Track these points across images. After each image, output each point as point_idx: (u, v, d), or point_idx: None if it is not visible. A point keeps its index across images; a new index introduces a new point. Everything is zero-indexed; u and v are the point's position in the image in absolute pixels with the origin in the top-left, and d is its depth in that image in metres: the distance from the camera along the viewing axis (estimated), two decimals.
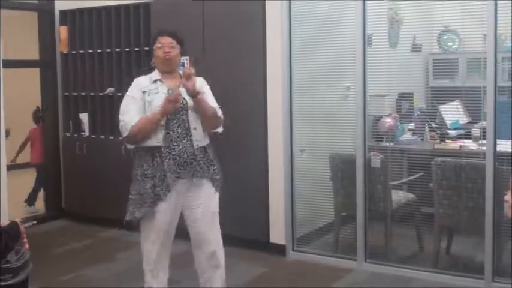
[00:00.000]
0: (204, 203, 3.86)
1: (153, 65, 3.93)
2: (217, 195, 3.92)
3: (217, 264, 3.92)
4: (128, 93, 3.88)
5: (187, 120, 3.75)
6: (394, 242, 5.22)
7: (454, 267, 4.89)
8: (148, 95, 3.76)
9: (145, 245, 3.89)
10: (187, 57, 5.68)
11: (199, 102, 3.73)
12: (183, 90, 3.69)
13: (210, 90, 3.97)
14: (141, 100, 3.77)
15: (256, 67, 5.42)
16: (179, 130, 3.74)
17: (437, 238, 4.96)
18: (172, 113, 3.68)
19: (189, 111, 3.76)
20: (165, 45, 3.81)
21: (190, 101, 3.76)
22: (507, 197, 2.79)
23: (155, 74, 3.86)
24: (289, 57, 5.31)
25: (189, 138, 3.75)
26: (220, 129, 3.93)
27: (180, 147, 3.72)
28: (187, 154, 3.74)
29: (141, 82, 3.87)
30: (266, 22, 5.36)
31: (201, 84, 3.87)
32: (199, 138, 3.79)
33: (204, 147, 3.83)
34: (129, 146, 3.89)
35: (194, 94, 3.69)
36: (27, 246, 3.82)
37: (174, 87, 3.68)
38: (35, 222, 3.86)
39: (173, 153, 3.71)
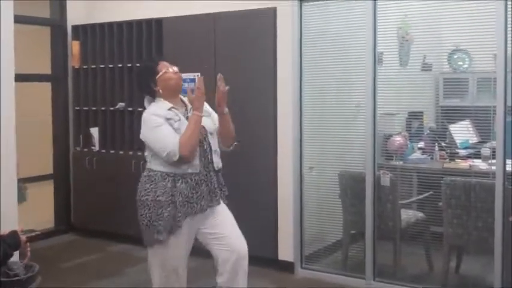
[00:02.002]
0: (221, 216, 3.88)
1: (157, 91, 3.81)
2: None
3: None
4: (153, 123, 3.70)
5: (209, 144, 3.79)
6: (403, 260, 5.25)
7: (463, 287, 4.92)
8: (175, 121, 3.70)
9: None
10: (198, 74, 5.78)
11: (226, 116, 3.82)
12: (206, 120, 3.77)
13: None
14: (167, 122, 3.70)
15: (266, 84, 5.51)
16: (204, 157, 3.76)
17: (447, 257, 4.99)
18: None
19: (209, 135, 3.81)
20: (168, 68, 3.79)
21: (209, 127, 3.81)
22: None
23: (163, 103, 3.76)
24: (300, 75, 5.38)
25: (211, 164, 3.79)
26: (232, 147, 3.99)
27: (210, 173, 3.77)
28: (212, 180, 3.79)
29: (159, 111, 3.73)
30: (277, 40, 5.44)
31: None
32: (218, 160, 3.84)
33: (220, 169, 3.87)
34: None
35: (223, 110, 3.78)
36: (28, 254, 3.92)
37: (199, 80, 3.70)
38: (38, 232, 3.94)
39: (205, 179, 3.75)
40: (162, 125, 3.66)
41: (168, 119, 3.68)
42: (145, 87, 3.81)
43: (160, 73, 3.75)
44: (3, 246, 3.57)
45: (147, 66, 3.90)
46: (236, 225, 3.90)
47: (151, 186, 3.75)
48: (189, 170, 3.69)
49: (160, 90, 3.76)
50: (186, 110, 3.82)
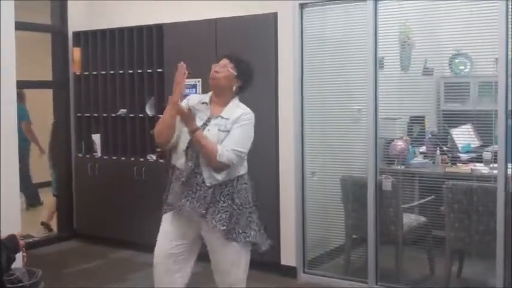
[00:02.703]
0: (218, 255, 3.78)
1: None
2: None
3: None
4: (184, 102, 3.76)
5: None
6: (405, 264, 5.30)
7: None
8: (200, 118, 3.70)
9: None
10: (199, 80, 5.85)
11: (195, 138, 3.60)
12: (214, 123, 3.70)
13: (244, 125, 3.79)
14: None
15: (268, 89, 5.56)
16: (190, 164, 3.65)
17: (449, 261, 5.05)
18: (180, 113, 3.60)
19: None
20: (216, 66, 3.77)
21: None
22: None
23: (207, 96, 3.82)
24: (301, 80, 5.45)
25: (199, 174, 3.65)
26: (219, 176, 3.64)
27: (198, 183, 3.64)
28: (198, 192, 3.66)
29: (193, 99, 3.83)
30: (278, 45, 5.51)
31: (238, 116, 3.75)
32: (210, 176, 3.63)
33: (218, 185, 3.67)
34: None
35: (192, 130, 3.59)
36: (25, 259, 3.98)
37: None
38: (36, 238, 3.99)
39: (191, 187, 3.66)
40: None
41: (197, 110, 3.72)
42: None
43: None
44: (6, 252, 3.63)
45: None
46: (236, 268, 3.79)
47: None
48: (177, 165, 3.72)
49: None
50: (217, 115, 3.73)
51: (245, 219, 3.77)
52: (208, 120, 3.72)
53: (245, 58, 3.93)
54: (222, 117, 3.71)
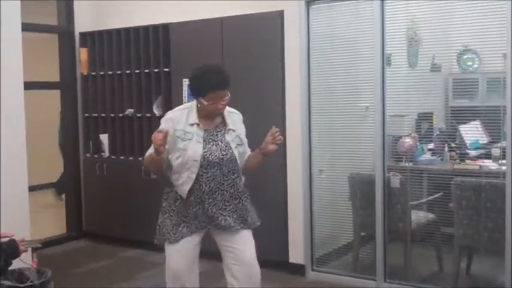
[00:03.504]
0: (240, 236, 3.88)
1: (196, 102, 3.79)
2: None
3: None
4: (161, 125, 3.79)
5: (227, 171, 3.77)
6: (413, 261, 5.37)
7: (474, 287, 5.02)
8: (182, 140, 3.72)
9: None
10: None
11: (260, 159, 3.86)
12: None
13: (243, 128, 3.96)
14: (171, 137, 3.70)
15: (275, 87, 5.63)
16: (211, 184, 3.73)
17: (457, 258, 5.10)
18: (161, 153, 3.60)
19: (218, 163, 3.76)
20: (217, 100, 3.68)
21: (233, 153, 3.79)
22: None
23: (193, 114, 3.77)
24: (308, 77, 5.50)
25: (221, 191, 3.77)
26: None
27: (210, 200, 3.75)
28: (215, 208, 3.77)
29: (176, 121, 3.77)
30: (284, 42, 5.56)
31: (238, 120, 3.90)
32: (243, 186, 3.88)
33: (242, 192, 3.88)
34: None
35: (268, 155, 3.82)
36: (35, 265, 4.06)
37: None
38: (39, 245, 4.06)
39: (205, 205, 3.76)
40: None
41: (177, 137, 3.72)
42: (194, 93, 3.78)
43: (204, 100, 3.67)
44: (3, 256, 3.69)
45: (199, 83, 3.75)
46: (251, 242, 3.91)
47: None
48: (179, 192, 3.78)
49: (200, 106, 3.75)
50: (216, 129, 3.80)
51: (248, 202, 3.95)
52: (208, 136, 3.76)
53: (217, 64, 4.06)
54: (233, 130, 3.82)
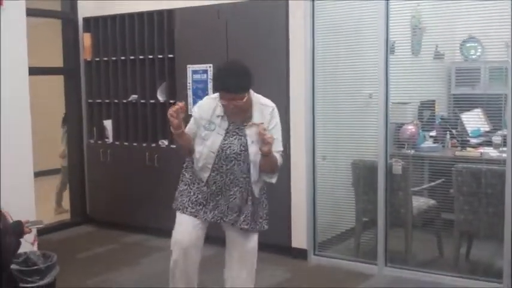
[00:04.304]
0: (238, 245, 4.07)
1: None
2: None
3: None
4: (194, 111, 3.98)
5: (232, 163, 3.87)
6: (414, 247, 5.57)
7: (474, 272, 5.23)
8: (206, 129, 3.87)
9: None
10: (211, 65, 6.06)
11: (267, 159, 3.80)
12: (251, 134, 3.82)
13: (277, 124, 3.96)
14: (197, 123, 3.91)
15: (279, 75, 5.78)
16: (231, 177, 3.88)
17: (457, 243, 5.31)
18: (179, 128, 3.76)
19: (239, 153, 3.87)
20: (227, 101, 3.74)
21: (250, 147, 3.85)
22: None
23: (220, 107, 3.85)
24: (312, 66, 5.64)
25: (240, 188, 3.91)
26: (273, 180, 4.02)
27: (231, 193, 3.91)
28: (233, 204, 3.93)
29: (205, 111, 3.90)
30: (289, 29, 5.70)
31: (268, 113, 3.92)
32: (261, 187, 4.01)
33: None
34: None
35: (267, 154, 3.75)
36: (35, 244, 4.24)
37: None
38: (42, 225, 4.24)
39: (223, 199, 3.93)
40: (193, 119, 3.95)
41: (203, 125, 3.88)
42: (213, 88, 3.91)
43: (224, 100, 3.76)
44: (14, 236, 3.88)
45: (215, 84, 3.92)
46: (245, 263, 4.08)
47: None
48: (199, 176, 3.96)
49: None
50: (244, 122, 3.86)
51: (263, 207, 4.09)
52: (232, 130, 3.87)
53: (243, 65, 3.88)
54: (256, 125, 3.77)
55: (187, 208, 3.99)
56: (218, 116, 3.87)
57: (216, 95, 3.91)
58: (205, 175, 3.92)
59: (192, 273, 4.08)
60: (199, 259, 4.10)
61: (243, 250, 4.07)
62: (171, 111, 3.71)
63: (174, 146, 3.80)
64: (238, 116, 3.83)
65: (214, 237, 4.24)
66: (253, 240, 4.08)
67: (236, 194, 3.92)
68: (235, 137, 3.87)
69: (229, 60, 4.00)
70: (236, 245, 4.07)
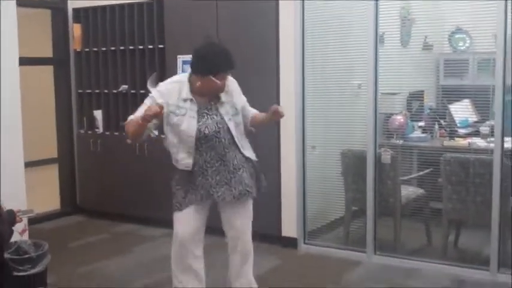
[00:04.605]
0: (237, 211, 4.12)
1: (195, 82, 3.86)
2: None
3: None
4: (152, 96, 3.90)
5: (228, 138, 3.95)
6: (403, 235, 5.63)
7: (462, 260, 5.30)
8: (176, 115, 3.84)
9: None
10: None
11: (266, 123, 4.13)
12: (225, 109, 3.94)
13: (240, 92, 4.10)
14: (165, 117, 3.85)
15: (269, 65, 5.82)
16: (212, 153, 3.91)
17: (446, 231, 5.39)
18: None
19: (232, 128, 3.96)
20: (224, 80, 3.86)
21: (228, 122, 3.93)
22: None
23: (186, 88, 3.87)
24: (302, 56, 5.67)
25: (223, 162, 3.94)
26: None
27: (213, 169, 3.93)
28: (220, 177, 3.96)
29: (170, 94, 3.88)
30: (279, 21, 5.73)
31: (232, 82, 4.01)
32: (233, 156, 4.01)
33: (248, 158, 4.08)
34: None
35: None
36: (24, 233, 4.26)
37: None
38: (33, 214, 4.27)
39: (207, 173, 3.94)
40: (153, 102, 3.84)
41: (170, 111, 3.84)
42: (195, 70, 3.86)
43: (213, 77, 3.79)
44: (7, 225, 3.91)
45: (213, 64, 3.82)
46: (247, 226, 4.17)
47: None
48: (182, 165, 3.96)
49: (199, 84, 3.84)
50: (210, 102, 3.92)
51: (257, 169, 4.18)
52: (202, 111, 3.89)
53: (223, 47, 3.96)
54: (226, 103, 3.94)
55: (180, 205, 4.01)
56: (186, 100, 3.87)
57: (179, 77, 3.99)
58: (189, 161, 3.92)
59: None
60: (202, 247, 4.14)
61: (243, 216, 4.12)
62: (157, 109, 3.69)
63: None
64: (217, 94, 3.92)
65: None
66: (250, 204, 4.15)
67: (219, 168, 3.95)
68: (206, 117, 3.91)
69: (209, 42, 3.98)
70: (235, 213, 4.10)
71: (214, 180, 3.96)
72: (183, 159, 3.93)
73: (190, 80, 3.91)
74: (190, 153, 3.90)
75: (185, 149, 3.91)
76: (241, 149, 4.03)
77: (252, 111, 4.19)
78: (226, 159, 3.96)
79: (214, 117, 3.92)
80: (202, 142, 3.90)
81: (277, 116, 4.01)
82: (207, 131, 3.88)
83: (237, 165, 4.00)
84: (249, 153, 4.10)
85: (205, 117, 3.91)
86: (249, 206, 4.15)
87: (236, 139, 3.99)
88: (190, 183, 3.97)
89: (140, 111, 3.83)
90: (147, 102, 3.89)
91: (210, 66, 3.81)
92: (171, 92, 3.89)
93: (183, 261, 4.06)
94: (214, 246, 4.48)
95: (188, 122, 3.85)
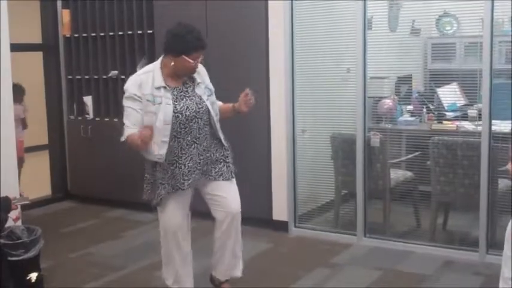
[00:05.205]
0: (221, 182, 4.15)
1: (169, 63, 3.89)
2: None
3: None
4: (129, 91, 3.91)
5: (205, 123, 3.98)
6: (392, 218, 5.63)
7: (450, 241, 5.32)
8: (153, 104, 3.83)
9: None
10: None
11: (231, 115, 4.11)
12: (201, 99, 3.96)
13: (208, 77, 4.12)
14: (141, 103, 3.86)
15: (258, 49, 5.77)
16: (188, 138, 3.92)
17: (434, 214, 5.38)
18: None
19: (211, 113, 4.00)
20: (197, 60, 3.87)
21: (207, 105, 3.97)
22: (508, 166, 3.21)
23: (158, 77, 3.88)
24: (291, 40, 5.63)
25: (196, 145, 3.95)
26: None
27: (186, 155, 3.93)
28: (192, 162, 3.96)
29: (143, 85, 3.87)
30: (268, 6, 5.68)
31: (203, 71, 4.06)
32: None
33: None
34: None
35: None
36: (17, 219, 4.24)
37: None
38: (28, 201, 4.23)
39: (180, 161, 3.94)
40: (134, 100, 3.88)
41: (147, 100, 3.84)
42: (169, 49, 3.88)
43: (186, 57, 3.82)
44: (2, 211, 3.87)
45: (184, 42, 3.83)
46: (233, 188, 4.18)
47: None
48: (155, 159, 3.93)
49: (173, 65, 3.87)
50: (185, 85, 3.96)
51: (228, 152, 4.18)
52: (179, 94, 3.91)
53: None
54: (201, 83, 4.00)
55: (160, 193, 3.99)
56: (159, 88, 3.86)
57: (150, 67, 3.98)
58: (162, 152, 3.88)
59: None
60: (189, 233, 4.20)
61: (230, 189, 4.14)
62: (148, 133, 3.75)
63: None
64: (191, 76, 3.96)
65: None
66: (234, 182, 4.17)
67: (193, 151, 3.94)
68: (185, 99, 3.91)
69: (182, 23, 3.96)
70: (221, 187, 4.12)
71: (187, 166, 3.95)
72: (158, 150, 3.88)
73: (162, 67, 3.91)
74: (164, 143, 3.86)
75: (159, 138, 3.85)
76: (217, 131, 4.05)
77: (218, 103, 4.17)
78: (199, 142, 3.96)
79: (193, 98, 3.94)
80: (182, 127, 3.88)
81: (247, 103, 3.98)
82: (188, 112, 3.89)
83: (206, 147, 4.02)
84: (222, 136, 4.11)
85: (184, 99, 3.91)
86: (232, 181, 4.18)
87: (212, 120, 4.01)
88: (165, 175, 3.95)
89: (131, 119, 3.90)
90: (128, 104, 3.92)
91: (184, 45, 3.82)
92: (145, 82, 3.88)
93: (172, 253, 4.11)
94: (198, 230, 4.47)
95: (165, 110, 3.84)
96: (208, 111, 3.97)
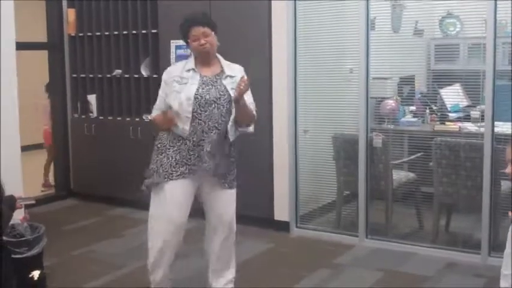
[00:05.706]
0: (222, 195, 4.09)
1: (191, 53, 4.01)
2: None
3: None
4: (162, 78, 4.05)
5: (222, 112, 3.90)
6: (394, 219, 5.55)
7: (452, 243, 5.21)
8: (179, 84, 3.87)
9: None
10: None
11: (241, 108, 3.88)
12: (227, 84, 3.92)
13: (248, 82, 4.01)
14: (167, 86, 3.94)
15: (261, 49, 5.69)
16: (209, 123, 3.86)
17: (437, 215, 5.29)
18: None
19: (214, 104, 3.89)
20: (199, 37, 3.85)
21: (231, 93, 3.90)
22: (507, 170, 3.13)
23: (190, 62, 3.95)
24: (294, 41, 5.56)
25: (218, 130, 3.89)
26: (251, 129, 4.10)
27: (209, 139, 3.88)
28: (212, 147, 3.90)
29: (174, 70, 3.99)
30: (271, 6, 5.61)
31: (241, 74, 4.01)
32: (233, 133, 3.99)
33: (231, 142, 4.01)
34: None
35: (239, 102, 3.84)
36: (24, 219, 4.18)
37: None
38: (33, 202, 4.17)
39: (203, 144, 3.89)
40: (163, 85, 4.01)
41: (174, 81, 3.90)
42: (183, 37, 3.99)
43: (190, 40, 3.89)
44: (7, 209, 3.80)
45: (181, 26, 3.95)
46: (232, 208, 4.11)
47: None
48: (179, 132, 3.91)
49: (191, 52, 4.03)
50: (216, 76, 3.94)
51: (234, 167, 4.12)
52: (206, 81, 3.90)
53: (208, 15, 4.12)
54: (230, 76, 3.96)
55: (172, 174, 3.92)
56: (189, 70, 3.92)
57: (184, 61, 4.06)
58: (186, 127, 3.86)
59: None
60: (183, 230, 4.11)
61: (223, 201, 4.08)
62: (171, 117, 3.89)
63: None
64: (209, 53, 3.93)
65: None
66: (231, 193, 4.09)
67: (214, 136, 3.89)
68: (209, 86, 3.90)
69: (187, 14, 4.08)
70: (216, 197, 4.07)
71: (207, 149, 3.90)
72: (182, 124, 3.87)
73: (194, 58, 3.99)
74: (188, 119, 3.85)
75: (183, 114, 3.85)
76: (229, 123, 3.94)
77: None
78: (220, 129, 3.91)
79: (218, 87, 3.91)
80: (202, 109, 3.85)
81: (238, 88, 3.83)
82: (208, 96, 3.86)
83: (224, 140, 3.96)
84: (231, 133, 4.00)
85: (208, 86, 3.90)
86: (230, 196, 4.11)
87: (233, 110, 3.93)
88: (184, 154, 3.91)
89: (157, 103, 4.06)
90: (159, 90, 4.06)
91: (182, 30, 3.95)
92: (177, 68, 4.01)
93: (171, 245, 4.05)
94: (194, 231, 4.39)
95: (189, 88, 3.86)
96: (230, 100, 3.90)
